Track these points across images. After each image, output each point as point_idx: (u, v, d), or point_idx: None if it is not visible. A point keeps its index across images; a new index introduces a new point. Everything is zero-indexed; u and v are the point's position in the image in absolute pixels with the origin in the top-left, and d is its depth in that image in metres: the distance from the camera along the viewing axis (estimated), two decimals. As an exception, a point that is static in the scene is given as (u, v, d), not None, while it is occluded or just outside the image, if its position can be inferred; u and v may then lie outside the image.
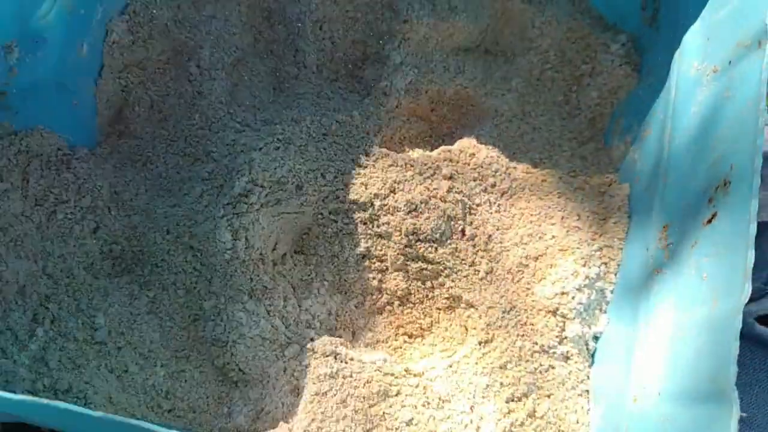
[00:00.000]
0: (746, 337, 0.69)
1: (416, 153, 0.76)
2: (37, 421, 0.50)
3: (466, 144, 0.76)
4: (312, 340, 0.66)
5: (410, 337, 0.71)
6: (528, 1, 0.83)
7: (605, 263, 0.70)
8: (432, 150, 0.77)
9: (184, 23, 0.79)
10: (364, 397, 0.63)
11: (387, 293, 0.71)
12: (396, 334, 0.71)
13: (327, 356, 0.64)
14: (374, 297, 0.71)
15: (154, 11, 0.78)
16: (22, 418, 0.52)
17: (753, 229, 0.49)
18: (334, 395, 0.62)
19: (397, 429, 0.62)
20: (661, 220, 0.64)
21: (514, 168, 0.76)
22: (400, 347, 0.70)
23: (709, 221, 0.56)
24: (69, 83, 0.70)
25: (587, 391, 0.66)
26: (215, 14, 0.81)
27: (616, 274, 0.69)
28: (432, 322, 0.71)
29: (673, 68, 0.70)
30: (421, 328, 0.71)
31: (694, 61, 0.67)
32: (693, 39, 0.68)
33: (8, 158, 0.67)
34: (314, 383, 0.63)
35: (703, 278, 0.54)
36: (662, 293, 0.60)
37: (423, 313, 0.71)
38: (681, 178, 0.63)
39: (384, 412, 0.63)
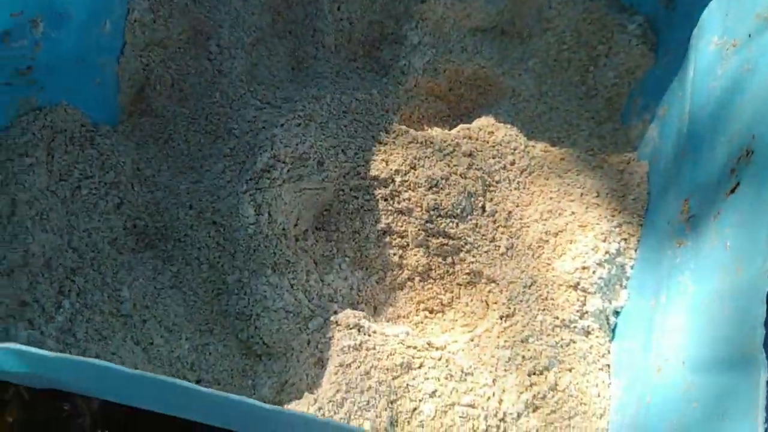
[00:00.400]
0: None
1: (435, 131, 0.76)
2: (69, 384, 0.51)
3: (485, 122, 0.77)
4: (335, 313, 0.66)
5: (431, 312, 0.71)
6: (544, -19, 0.84)
7: (625, 239, 0.70)
8: (450, 129, 0.78)
9: (204, 2, 0.80)
10: (387, 369, 0.63)
11: (408, 269, 0.72)
12: (417, 310, 0.71)
13: (350, 329, 0.65)
14: (395, 273, 0.72)
15: (176, -9, 0.78)
16: (53, 382, 0.53)
17: (778, 195, 0.50)
18: (358, 367, 0.63)
19: (420, 400, 0.63)
20: (683, 193, 0.64)
21: (533, 146, 0.77)
22: (421, 322, 0.71)
23: (732, 191, 0.56)
24: (92, 60, 0.71)
25: (608, 365, 0.67)
26: (234, -5, 0.81)
27: (635, 250, 0.70)
28: (453, 297, 0.71)
29: (691, 46, 0.71)
30: (442, 304, 0.71)
31: (713, 37, 0.67)
32: (711, 15, 0.69)
33: (33, 133, 0.68)
34: (338, 355, 0.64)
35: (726, 247, 0.55)
36: (684, 264, 0.60)
37: (444, 288, 0.72)
38: (702, 152, 0.63)
39: (407, 384, 0.63)
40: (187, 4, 0.79)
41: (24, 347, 0.43)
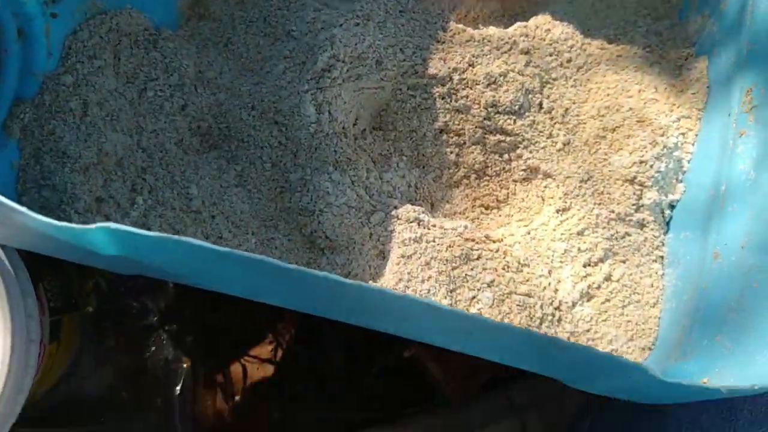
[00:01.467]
0: None
1: (492, 29, 0.76)
2: (162, 266, 0.54)
3: (541, 20, 0.76)
4: (395, 208, 0.68)
5: (486, 208, 0.73)
6: None
7: (683, 133, 0.70)
8: (506, 28, 0.78)
9: None
10: (447, 260, 0.65)
11: (464, 166, 0.73)
12: (473, 206, 0.73)
13: (411, 222, 0.67)
14: (451, 171, 0.73)
15: None
16: (143, 266, 0.56)
17: None
18: (419, 258, 0.65)
19: (478, 290, 0.65)
20: (745, 84, 0.64)
21: (589, 44, 0.76)
22: (477, 218, 0.73)
23: (799, 75, 0.56)
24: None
25: (662, 257, 0.68)
26: None
27: (693, 144, 0.70)
28: (508, 193, 0.73)
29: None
30: (498, 200, 0.73)
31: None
32: None
33: (100, 36, 0.69)
34: (399, 247, 0.66)
35: (792, 131, 0.55)
36: (746, 153, 0.61)
37: (500, 185, 0.73)
38: (766, 42, 0.62)
39: (466, 275, 0.65)
40: None
41: (123, 227, 0.45)
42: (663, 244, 0.69)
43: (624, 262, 0.68)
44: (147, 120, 0.71)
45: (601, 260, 0.67)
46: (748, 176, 0.59)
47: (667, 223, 0.70)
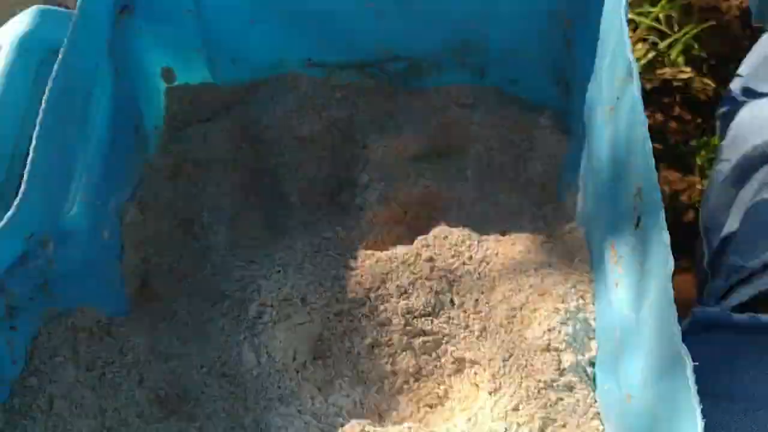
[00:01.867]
0: (727, 327, 0.76)
1: (398, 249, 0.87)
2: None
3: (439, 231, 0.88)
4: (341, 426, 0.73)
5: (431, 407, 0.78)
6: (461, 106, 0.98)
7: (581, 296, 0.78)
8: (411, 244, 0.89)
9: (184, 196, 0.95)
10: (396, 464, 0.69)
11: (401, 374, 0.79)
12: (418, 408, 0.78)
13: (358, 436, 0.72)
14: (390, 380, 0.79)
15: (158, 192, 0.93)
16: None
17: (662, 213, 0.59)
18: (371, 467, 0.69)
19: (433, 485, 0.68)
20: (609, 241, 0.73)
21: (486, 240, 0.87)
22: (424, 418, 0.77)
23: (637, 225, 0.65)
24: (98, 264, 0.84)
25: (598, 413, 0.72)
26: (208, 185, 0.96)
27: (593, 303, 0.78)
28: (446, 388, 0.78)
29: (587, 120, 0.83)
30: (439, 396, 0.78)
31: (606, 107, 0.78)
32: (597, 89, 0.81)
33: (58, 336, 0.79)
34: (351, 461, 0.70)
35: (643, 272, 0.63)
36: (624, 299, 0.68)
37: (436, 382, 0.79)
38: (611, 202, 0.73)
39: (417, 473, 0.69)
40: (170, 201, 0.94)
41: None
42: (595, 401, 0.73)
43: (564, 426, 0.71)
44: (108, 400, 0.78)
45: (542, 429, 0.71)
46: (630, 320, 0.66)
47: (594, 380, 0.74)
